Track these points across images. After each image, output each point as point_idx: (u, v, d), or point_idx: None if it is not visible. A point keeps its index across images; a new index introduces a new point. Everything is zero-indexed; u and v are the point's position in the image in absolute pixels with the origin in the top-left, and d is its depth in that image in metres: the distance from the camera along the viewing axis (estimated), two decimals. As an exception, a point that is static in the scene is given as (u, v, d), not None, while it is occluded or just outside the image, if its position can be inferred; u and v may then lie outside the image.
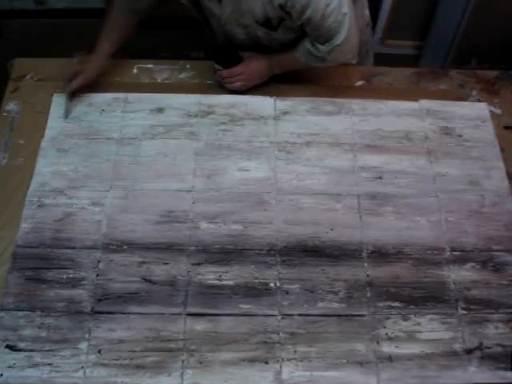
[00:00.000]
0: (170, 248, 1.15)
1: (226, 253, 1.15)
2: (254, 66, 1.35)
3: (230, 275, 1.13)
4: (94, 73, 1.34)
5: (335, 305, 1.10)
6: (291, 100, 1.38)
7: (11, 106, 1.36)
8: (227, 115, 1.35)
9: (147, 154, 1.28)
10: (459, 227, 1.21)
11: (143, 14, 1.38)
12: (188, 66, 1.46)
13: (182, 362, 1.03)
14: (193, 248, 1.16)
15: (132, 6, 1.35)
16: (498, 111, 1.40)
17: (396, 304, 1.11)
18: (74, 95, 1.34)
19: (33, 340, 1.04)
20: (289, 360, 1.04)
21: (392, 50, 2.45)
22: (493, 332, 1.09)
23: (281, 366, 1.04)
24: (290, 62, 1.36)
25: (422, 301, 1.11)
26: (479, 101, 1.42)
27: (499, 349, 1.07)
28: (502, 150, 1.33)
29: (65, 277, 1.11)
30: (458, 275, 1.15)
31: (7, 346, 1.04)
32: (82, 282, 1.11)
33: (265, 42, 1.35)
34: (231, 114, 1.35)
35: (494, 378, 1.04)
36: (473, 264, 1.16)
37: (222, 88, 1.40)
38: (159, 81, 1.43)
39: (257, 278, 1.13)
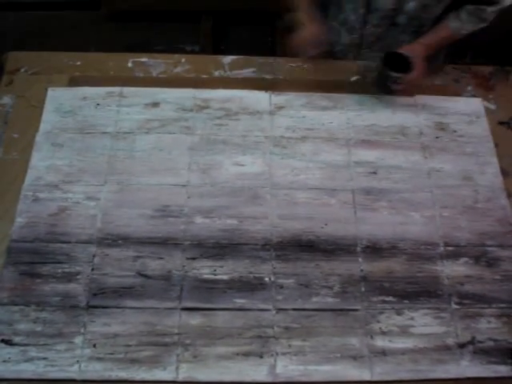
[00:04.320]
0: (165, 242, 1.16)
1: (221, 247, 1.16)
2: (422, 58, 1.35)
3: (225, 270, 1.13)
4: (319, 34, 1.37)
5: (329, 299, 1.11)
6: (286, 95, 1.38)
7: (5, 99, 1.35)
8: (222, 110, 1.35)
9: (142, 149, 1.28)
10: (453, 222, 1.22)
11: None
12: (183, 59, 1.46)
13: (177, 356, 1.04)
14: (188, 243, 1.16)
15: None
16: (493, 107, 1.41)
17: (390, 299, 1.12)
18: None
19: (28, 334, 1.04)
20: (283, 354, 1.05)
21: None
22: (485, 326, 1.10)
23: (275, 360, 1.04)
24: (441, 40, 1.38)
25: (415, 295, 1.12)
26: (474, 96, 1.42)
27: (491, 343, 1.08)
28: (496, 145, 1.33)
29: (60, 271, 1.11)
30: (452, 270, 1.16)
31: (2, 341, 1.04)
32: (77, 277, 1.11)
33: (408, 17, 1.37)
34: (226, 108, 1.35)
35: (486, 372, 1.05)
36: (466, 259, 1.17)
37: (217, 84, 1.39)
38: (154, 75, 1.42)
39: (251, 273, 1.13)
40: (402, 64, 1.32)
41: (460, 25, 1.35)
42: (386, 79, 1.36)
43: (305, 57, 1.41)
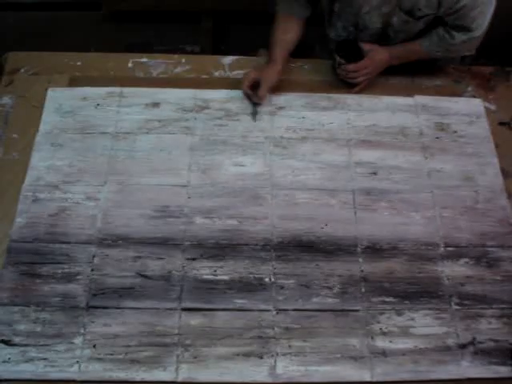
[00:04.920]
0: (165, 243, 1.15)
1: (221, 248, 1.15)
2: (378, 59, 1.36)
3: (225, 270, 1.13)
4: (274, 79, 1.34)
5: (330, 300, 1.11)
6: (287, 95, 1.38)
7: (5, 99, 1.35)
8: (223, 110, 1.35)
9: (142, 149, 1.28)
10: (453, 223, 1.21)
11: (305, 15, 1.40)
12: (183, 60, 1.46)
13: (177, 356, 1.04)
14: (188, 243, 1.16)
15: (292, 11, 1.38)
16: (493, 107, 1.41)
17: (390, 299, 1.11)
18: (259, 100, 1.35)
19: (28, 335, 1.04)
20: (283, 355, 1.05)
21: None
22: (486, 327, 1.10)
23: (275, 361, 1.04)
24: (409, 53, 1.38)
25: (415, 296, 1.12)
26: (474, 97, 1.42)
27: (492, 344, 1.08)
28: (497, 145, 1.33)
29: (60, 271, 1.11)
30: (452, 271, 1.16)
31: (2, 341, 1.04)
32: (77, 277, 1.11)
33: (394, 31, 1.37)
34: (227, 108, 1.35)
35: (486, 373, 1.05)
36: (467, 260, 1.17)
37: (218, 84, 1.39)
38: (154, 75, 1.42)
39: (252, 273, 1.13)
40: (356, 54, 1.35)
41: (429, 46, 1.34)
42: (334, 62, 1.39)
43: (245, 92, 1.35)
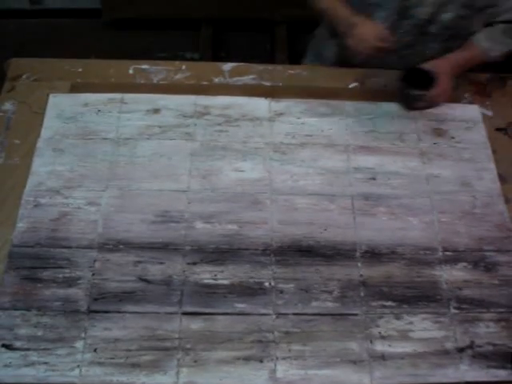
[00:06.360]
0: (166, 248, 1.16)
1: (221, 252, 1.16)
2: (448, 75, 1.32)
3: (225, 275, 1.14)
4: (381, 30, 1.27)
5: (329, 304, 1.11)
6: (286, 101, 1.39)
7: (7, 105, 1.36)
8: (223, 116, 1.36)
9: (143, 155, 1.29)
10: (451, 228, 1.22)
11: None
12: (184, 66, 1.47)
13: (178, 360, 1.04)
14: (188, 248, 1.16)
15: None
16: (490, 113, 1.42)
17: (389, 303, 1.12)
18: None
19: (29, 339, 1.05)
20: (283, 358, 1.05)
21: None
22: (484, 331, 1.10)
23: (275, 365, 1.05)
24: (467, 60, 1.34)
25: (414, 300, 1.13)
26: (471, 103, 1.43)
27: (490, 347, 1.09)
28: (494, 151, 1.35)
29: (61, 276, 1.12)
30: (450, 275, 1.16)
31: (3, 345, 1.04)
32: (78, 282, 1.11)
33: (440, 27, 1.33)
34: (227, 114, 1.36)
35: (485, 376, 1.06)
36: (465, 264, 1.18)
37: (217, 90, 1.41)
38: (155, 81, 1.43)
39: (252, 278, 1.14)
40: (425, 80, 1.29)
41: (491, 44, 1.31)
42: (408, 97, 1.33)
43: (376, 54, 1.26)
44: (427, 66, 1.32)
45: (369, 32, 1.26)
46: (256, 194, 1.24)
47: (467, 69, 1.39)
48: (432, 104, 1.36)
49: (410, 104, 1.36)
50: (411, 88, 1.30)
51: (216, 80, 1.45)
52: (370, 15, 1.34)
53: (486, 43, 1.32)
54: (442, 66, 1.32)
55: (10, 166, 1.26)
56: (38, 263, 1.13)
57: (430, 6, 1.30)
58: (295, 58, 1.44)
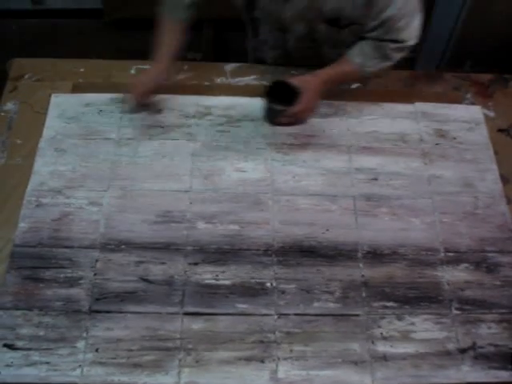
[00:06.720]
0: (168, 248, 1.16)
1: (223, 253, 1.16)
2: (314, 88, 1.27)
3: (227, 275, 1.14)
4: (156, 77, 1.29)
5: (331, 305, 1.11)
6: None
7: (9, 105, 1.36)
8: (224, 116, 1.36)
9: (145, 155, 1.29)
10: (453, 228, 1.22)
11: (189, 18, 1.34)
12: (186, 67, 1.47)
13: (179, 360, 1.04)
14: (190, 248, 1.16)
15: (175, 14, 1.32)
16: (492, 114, 1.42)
17: (391, 304, 1.12)
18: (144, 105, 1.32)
19: (30, 339, 1.05)
20: (285, 359, 1.05)
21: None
22: (486, 332, 1.10)
23: (277, 365, 1.05)
24: (342, 75, 1.31)
25: (416, 301, 1.13)
26: (473, 104, 1.43)
27: (492, 348, 1.08)
28: (496, 152, 1.35)
29: (62, 276, 1.12)
30: (452, 276, 1.16)
31: (5, 345, 1.04)
32: (80, 282, 1.11)
33: (321, 38, 1.32)
34: (228, 115, 1.36)
35: (487, 377, 1.06)
36: (466, 265, 1.18)
37: (219, 91, 1.40)
38: (157, 82, 1.43)
39: (253, 278, 1.14)
40: (290, 94, 1.23)
41: (363, 60, 1.26)
42: (270, 112, 1.27)
43: (133, 101, 1.31)
44: (295, 80, 1.26)
45: (139, 80, 1.29)
46: (258, 195, 1.24)
47: (343, 83, 1.36)
48: (296, 120, 1.29)
49: (273, 119, 1.30)
50: (273, 102, 1.24)
51: (218, 80, 1.45)
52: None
53: (358, 59, 1.27)
54: (309, 82, 1.27)
55: (12, 165, 1.27)
56: (39, 263, 1.13)
57: (303, 22, 1.28)
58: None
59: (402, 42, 1.23)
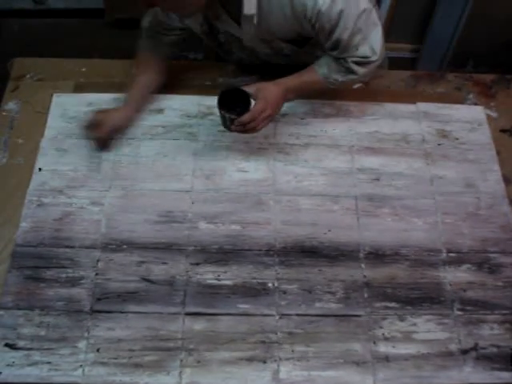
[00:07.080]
0: (169, 248, 1.16)
1: (225, 253, 1.16)
2: (272, 97, 1.17)
3: (229, 275, 1.13)
4: (120, 123, 1.28)
5: (332, 305, 1.11)
6: (289, 102, 1.39)
7: (11, 105, 1.36)
8: (226, 116, 1.36)
9: (146, 155, 1.29)
10: (455, 229, 1.22)
11: (167, 56, 1.34)
12: (187, 66, 1.47)
13: (181, 361, 1.04)
14: (191, 248, 1.16)
15: (154, 51, 1.32)
16: (495, 114, 1.42)
17: (392, 305, 1.12)
18: (101, 143, 1.28)
19: (32, 338, 1.05)
20: (286, 359, 1.05)
21: (389, 53, 2.46)
22: (488, 333, 1.10)
23: (278, 366, 1.04)
24: (307, 84, 1.24)
25: (418, 301, 1.12)
26: (476, 104, 1.43)
27: (494, 349, 1.08)
28: (498, 152, 1.34)
29: (64, 276, 1.12)
30: (454, 276, 1.16)
31: (6, 345, 1.04)
32: (81, 281, 1.11)
33: (286, 55, 1.31)
34: (230, 115, 1.36)
35: (489, 378, 1.06)
36: (469, 265, 1.18)
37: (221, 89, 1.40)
38: (158, 81, 1.43)
39: (255, 278, 1.13)
40: (245, 102, 1.15)
41: (328, 72, 1.21)
42: (221, 119, 1.21)
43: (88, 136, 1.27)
44: (250, 87, 1.17)
45: (97, 118, 1.24)
46: (259, 195, 1.24)
47: (306, 93, 1.31)
48: (246, 130, 1.17)
49: (226, 126, 1.22)
50: (225, 109, 1.17)
51: (220, 80, 1.45)
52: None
53: (323, 69, 1.21)
54: (267, 90, 1.17)
55: (13, 165, 1.27)
56: (41, 263, 1.13)
57: (264, 44, 1.26)
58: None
59: (363, 57, 1.18)
